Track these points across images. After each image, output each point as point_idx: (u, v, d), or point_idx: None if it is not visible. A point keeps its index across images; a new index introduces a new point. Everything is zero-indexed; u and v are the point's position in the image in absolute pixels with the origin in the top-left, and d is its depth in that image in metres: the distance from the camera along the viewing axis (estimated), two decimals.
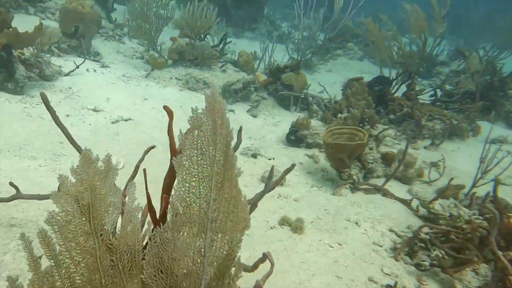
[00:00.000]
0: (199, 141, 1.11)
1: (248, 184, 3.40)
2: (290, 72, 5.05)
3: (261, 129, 4.73)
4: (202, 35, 5.67)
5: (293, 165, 2.39)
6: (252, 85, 5.02)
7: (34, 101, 3.98)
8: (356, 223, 2.94)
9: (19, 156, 3.03)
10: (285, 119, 5.01)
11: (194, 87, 5.38)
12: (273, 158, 3.98)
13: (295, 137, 4.28)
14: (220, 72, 5.72)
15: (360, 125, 4.28)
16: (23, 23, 5.68)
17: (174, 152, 1.15)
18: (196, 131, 1.09)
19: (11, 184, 2.10)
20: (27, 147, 3.17)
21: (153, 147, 1.69)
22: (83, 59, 5.16)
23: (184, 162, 1.10)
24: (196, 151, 1.11)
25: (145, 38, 6.16)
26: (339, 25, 6.87)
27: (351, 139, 3.56)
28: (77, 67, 4.94)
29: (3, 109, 3.60)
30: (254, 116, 5.01)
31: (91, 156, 1.03)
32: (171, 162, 1.14)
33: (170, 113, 1.20)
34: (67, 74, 4.86)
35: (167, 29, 6.60)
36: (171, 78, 5.42)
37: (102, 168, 1.07)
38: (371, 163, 3.74)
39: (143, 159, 1.69)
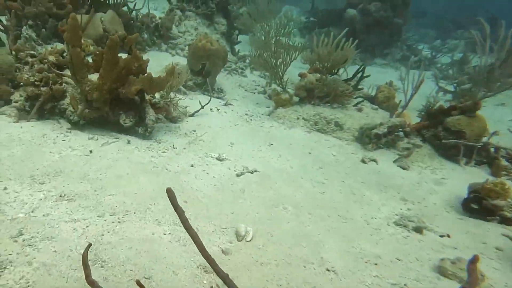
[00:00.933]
0: None
1: (420, 278, 2.39)
2: (460, 116, 3.82)
3: (418, 188, 3.63)
4: (335, 70, 4.87)
5: None
6: (400, 130, 3.96)
7: (160, 148, 3.75)
8: None
9: (144, 219, 2.68)
10: (452, 176, 3.80)
11: (324, 129, 4.61)
12: (448, 235, 2.89)
13: (480, 207, 3.07)
14: (355, 111, 4.84)
15: None
16: (157, 60, 5.83)
17: None
18: None
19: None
20: (153, 207, 2.82)
21: None
22: (209, 98, 4.89)
23: None
24: None
25: (268, 71, 5.71)
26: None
27: None
28: (202, 107, 4.68)
29: (133, 159, 3.39)
30: (405, 169, 3.93)
31: None
32: None
33: None
34: (192, 115, 4.64)
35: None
36: (297, 118, 4.76)
37: None
38: None
39: None
